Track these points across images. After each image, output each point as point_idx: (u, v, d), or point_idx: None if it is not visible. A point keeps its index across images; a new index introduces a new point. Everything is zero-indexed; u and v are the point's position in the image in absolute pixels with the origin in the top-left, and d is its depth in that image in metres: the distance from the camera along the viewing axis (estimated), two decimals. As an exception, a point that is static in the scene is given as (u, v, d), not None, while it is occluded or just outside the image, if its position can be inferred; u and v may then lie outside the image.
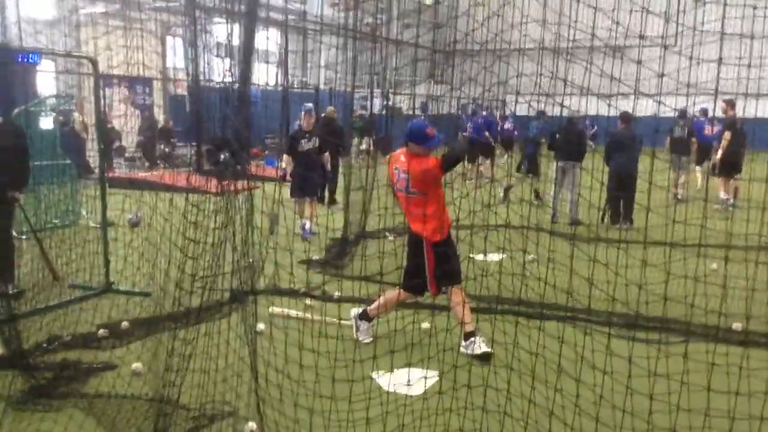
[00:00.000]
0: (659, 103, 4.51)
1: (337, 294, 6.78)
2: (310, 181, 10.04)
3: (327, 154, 10.64)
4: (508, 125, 18.96)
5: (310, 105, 10.96)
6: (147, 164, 19.59)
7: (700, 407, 3.50)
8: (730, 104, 13.01)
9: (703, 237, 5.13)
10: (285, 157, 10.43)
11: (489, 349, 5.16)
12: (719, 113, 13.41)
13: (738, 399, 3.45)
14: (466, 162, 16.15)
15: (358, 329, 5.73)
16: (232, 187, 3.87)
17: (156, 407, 4.02)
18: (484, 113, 17.81)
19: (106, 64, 9.03)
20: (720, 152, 12.98)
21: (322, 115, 13.54)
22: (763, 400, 3.45)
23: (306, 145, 10.06)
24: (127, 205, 8.03)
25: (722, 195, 12.88)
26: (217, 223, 3.82)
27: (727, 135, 12.84)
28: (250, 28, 4.27)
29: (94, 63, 7.46)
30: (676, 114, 13.47)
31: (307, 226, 9.77)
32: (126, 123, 20.16)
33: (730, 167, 12.99)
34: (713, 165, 13.37)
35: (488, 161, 16.96)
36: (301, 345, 3.98)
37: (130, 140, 20.92)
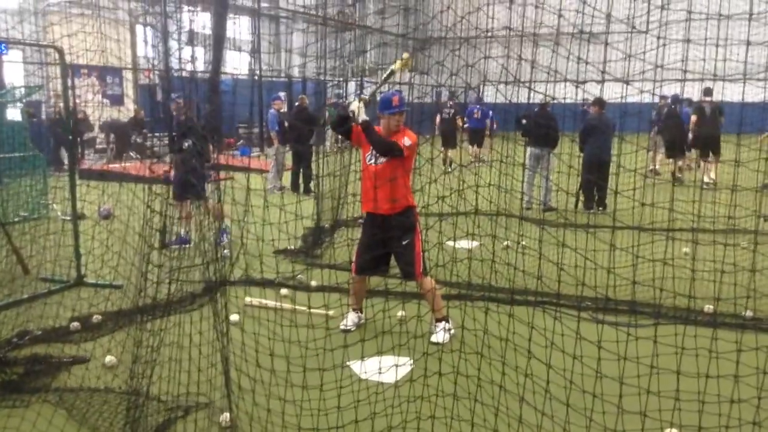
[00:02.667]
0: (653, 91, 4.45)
1: (313, 283, 6.75)
2: (189, 181, 8.25)
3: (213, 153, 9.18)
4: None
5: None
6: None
7: (671, 390, 3.53)
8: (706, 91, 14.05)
9: (676, 220, 5.15)
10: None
11: (442, 340, 5.24)
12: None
13: (707, 381, 3.48)
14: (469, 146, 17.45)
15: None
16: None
17: (128, 400, 3.97)
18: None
19: (75, 54, 8.77)
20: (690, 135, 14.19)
21: (295, 103, 13.44)
22: (732, 381, 3.49)
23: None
24: (95, 197, 7.87)
25: (705, 177, 13.52)
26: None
27: (693, 118, 14.08)
28: (221, 16, 4.20)
29: (60, 52, 7.29)
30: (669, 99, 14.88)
31: (183, 232, 8.28)
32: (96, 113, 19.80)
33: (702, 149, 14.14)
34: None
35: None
36: (274, 335, 3.95)
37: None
